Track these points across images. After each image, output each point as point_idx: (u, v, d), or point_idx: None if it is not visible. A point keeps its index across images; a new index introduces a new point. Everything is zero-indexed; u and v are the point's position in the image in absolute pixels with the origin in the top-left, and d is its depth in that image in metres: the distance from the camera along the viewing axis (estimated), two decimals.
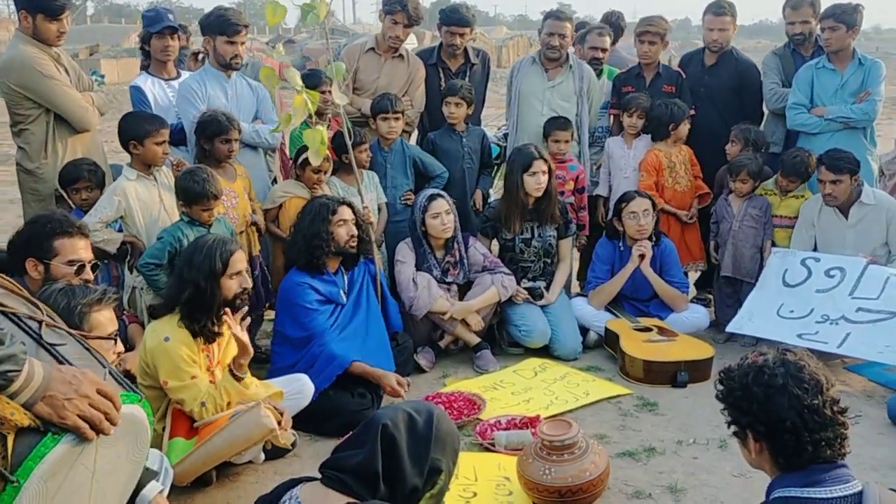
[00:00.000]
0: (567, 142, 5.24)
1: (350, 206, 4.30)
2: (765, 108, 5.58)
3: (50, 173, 4.35)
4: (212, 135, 4.39)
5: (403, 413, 2.18)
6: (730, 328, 4.79)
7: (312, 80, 4.81)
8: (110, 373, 1.87)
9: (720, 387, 2.03)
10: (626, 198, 4.99)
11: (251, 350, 3.42)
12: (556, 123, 5.24)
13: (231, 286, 3.42)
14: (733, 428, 2.03)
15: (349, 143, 4.25)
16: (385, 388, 4.02)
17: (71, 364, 1.76)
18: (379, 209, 5.02)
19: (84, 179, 4.23)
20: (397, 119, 5.05)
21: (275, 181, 5.23)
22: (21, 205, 4.73)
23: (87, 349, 1.90)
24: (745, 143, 5.14)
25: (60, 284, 2.83)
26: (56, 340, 1.81)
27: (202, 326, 3.37)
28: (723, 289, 5.16)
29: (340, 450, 2.18)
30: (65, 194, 4.25)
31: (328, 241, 4.15)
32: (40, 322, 1.81)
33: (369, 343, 4.23)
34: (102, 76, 23.77)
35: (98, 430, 1.67)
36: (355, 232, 4.24)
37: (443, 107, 5.28)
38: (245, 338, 3.36)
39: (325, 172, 4.73)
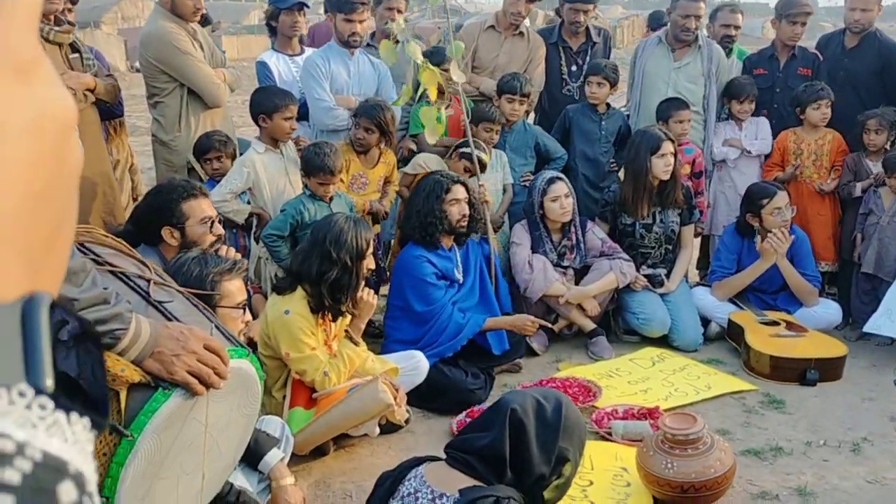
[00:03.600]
0: (690, 121, 5.05)
1: (464, 184, 4.27)
2: None
3: (183, 145, 4.49)
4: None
5: (532, 399, 2.13)
6: (867, 328, 4.51)
7: (436, 57, 4.77)
8: (217, 328, 1.87)
9: None
10: (766, 193, 4.69)
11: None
12: (675, 104, 5.04)
13: (363, 268, 3.49)
14: None
15: (467, 123, 4.22)
16: (525, 330, 4.21)
17: (179, 320, 1.78)
18: (504, 189, 4.94)
19: (215, 150, 4.34)
20: (522, 102, 4.95)
21: None
22: (154, 174, 4.92)
23: (196, 306, 1.91)
24: (891, 126, 4.80)
25: (193, 253, 2.89)
26: (164, 298, 1.83)
27: (339, 304, 3.42)
28: (860, 285, 4.85)
29: (467, 431, 2.15)
30: (197, 165, 4.39)
31: (441, 220, 4.14)
32: (149, 280, 1.83)
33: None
34: (224, 52, 24.53)
35: (207, 385, 1.67)
36: (467, 211, 4.21)
37: (584, 86, 5.17)
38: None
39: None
